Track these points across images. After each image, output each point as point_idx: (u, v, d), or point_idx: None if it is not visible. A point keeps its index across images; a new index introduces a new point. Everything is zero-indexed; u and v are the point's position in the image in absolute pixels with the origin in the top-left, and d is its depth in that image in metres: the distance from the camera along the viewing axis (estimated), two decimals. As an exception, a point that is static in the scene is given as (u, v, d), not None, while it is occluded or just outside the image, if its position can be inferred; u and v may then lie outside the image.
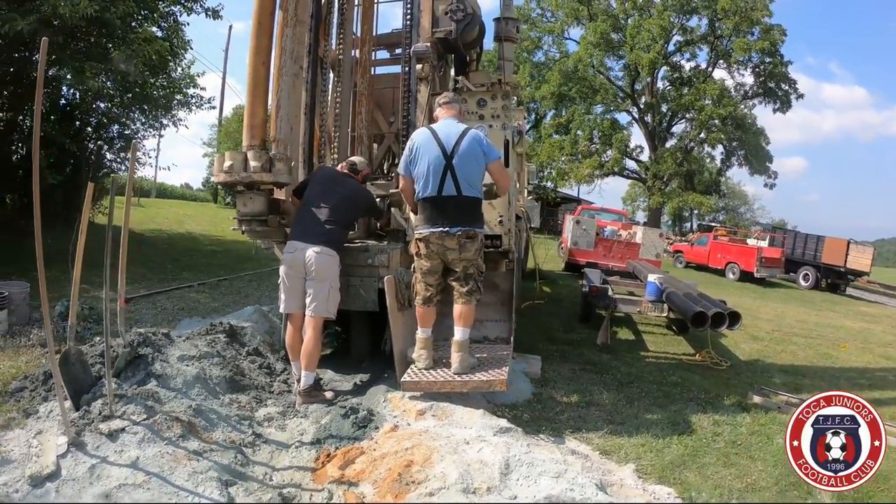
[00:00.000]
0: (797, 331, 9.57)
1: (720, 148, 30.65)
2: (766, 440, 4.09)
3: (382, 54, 5.96)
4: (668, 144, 31.91)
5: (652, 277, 6.85)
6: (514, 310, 4.45)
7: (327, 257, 3.84)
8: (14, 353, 4.23)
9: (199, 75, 11.99)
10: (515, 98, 5.75)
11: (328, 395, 3.90)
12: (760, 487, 3.35)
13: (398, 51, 5.48)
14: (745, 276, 18.65)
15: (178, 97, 10.33)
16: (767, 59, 27.96)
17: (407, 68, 4.48)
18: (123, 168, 11.04)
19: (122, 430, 2.90)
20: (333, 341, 5.50)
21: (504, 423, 3.30)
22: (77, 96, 9.24)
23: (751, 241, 20.94)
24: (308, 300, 3.85)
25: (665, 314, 6.68)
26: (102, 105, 10.01)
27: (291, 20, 4.10)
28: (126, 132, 10.59)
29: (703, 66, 30.57)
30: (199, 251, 10.92)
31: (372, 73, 5.70)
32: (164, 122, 10.60)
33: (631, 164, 33.60)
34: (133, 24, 8.52)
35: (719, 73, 30.55)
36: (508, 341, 4.42)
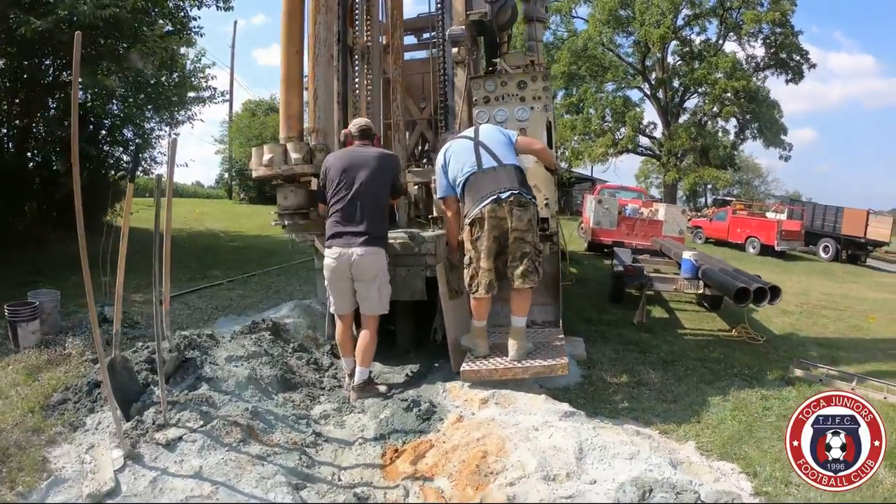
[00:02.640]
0: (824, 303, 9.48)
1: (733, 122, 30.20)
2: None
3: (408, 39, 5.86)
4: (681, 120, 31.44)
5: (687, 255, 6.78)
6: (560, 293, 4.40)
7: (371, 257, 3.66)
8: (51, 363, 4.02)
9: (209, 66, 11.83)
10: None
11: (381, 388, 3.82)
12: None
13: (425, 35, 5.39)
14: (766, 250, 18.47)
15: (191, 94, 10.21)
16: (778, 30, 27.34)
17: (440, 52, 4.40)
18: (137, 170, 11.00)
19: (180, 438, 2.77)
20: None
21: (567, 407, 3.27)
22: (89, 98, 9.17)
23: (770, 215, 20.67)
24: (360, 299, 3.76)
25: (701, 291, 6.61)
26: (115, 106, 9.96)
27: (322, 7, 4.03)
28: (142, 133, 10.55)
29: (714, 39, 30.00)
30: (221, 248, 10.92)
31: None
32: (180, 118, 10.49)
33: (644, 140, 33.21)
34: (146, 20, 8.43)
35: (730, 46, 29.99)
36: (557, 324, 4.40)
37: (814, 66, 28.96)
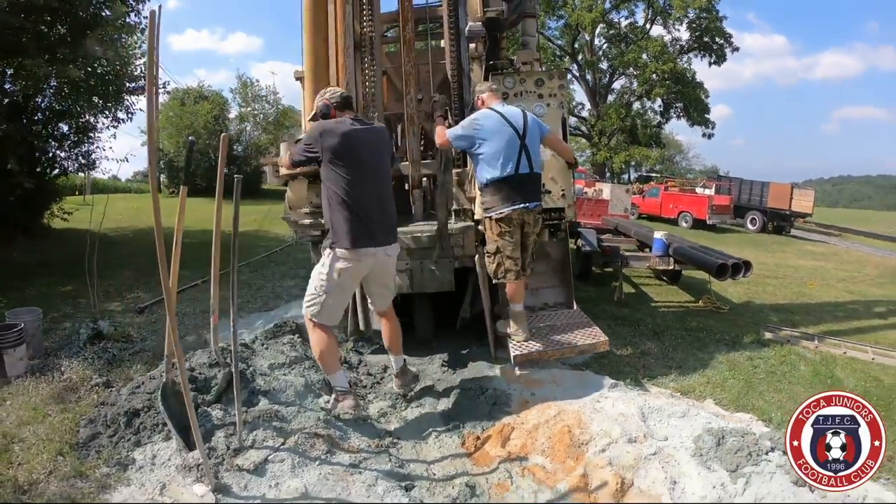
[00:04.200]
0: (766, 273, 10.42)
1: (658, 101, 31.79)
2: (792, 368, 4.75)
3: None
4: (608, 100, 32.76)
5: (658, 234, 7.28)
6: (572, 275, 4.69)
7: (396, 255, 3.43)
8: (55, 394, 3.52)
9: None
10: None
11: (413, 370, 3.81)
12: None
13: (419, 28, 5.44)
14: (698, 224, 19.82)
15: (130, 84, 9.53)
16: (703, 15, 28.91)
17: (453, 46, 4.49)
18: (73, 168, 10.19)
19: (266, 460, 2.61)
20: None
21: (608, 379, 3.59)
22: (31, 90, 8.39)
23: (699, 190, 22.12)
24: (379, 297, 3.47)
25: (671, 267, 7.13)
26: (49, 98, 9.14)
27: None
28: (80, 127, 9.77)
29: (641, 22, 31.35)
30: (172, 245, 10.38)
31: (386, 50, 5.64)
32: (118, 108, 9.74)
33: (572, 120, 34.35)
34: (105, 3, 7.81)
35: (656, 30, 31.48)
36: (570, 305, 4.68)
37: (736, 49, 30.71)
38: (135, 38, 9.24)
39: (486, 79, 4.39)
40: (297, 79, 5.41)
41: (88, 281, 4.72)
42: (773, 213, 21.00)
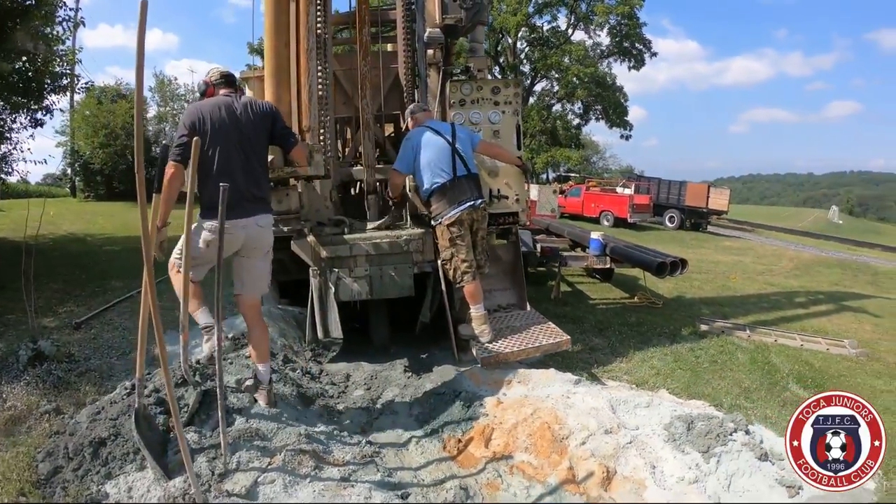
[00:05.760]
0: (690, 268, 11.17)
1: (578, 104, 33.13)
2: (731, 356, 5.16)
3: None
4: (530, 102, 33.80)
5: (595, 235, 7.62)
6: (525, 276, 4.84)
7: (271, 229, 3.28)
8: (1, 426, 3.22)
9: (78, 51, 10.17)
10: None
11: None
12: (754, 389, 4.35)
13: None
14: (619, 222, 20.88)
15: (48, 82, 8.75)
16: (624, 21, 30.32)
17: (407, 51, 4.51)
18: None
19: (256, 482, 2.51)
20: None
21: (571, 376, 3.75)
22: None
23: (619, 190, 23.31)
24: (247, 279, 3.20)
25: (608, 266, 7.49)
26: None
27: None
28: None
29: (563, 27, 32.50)
30: (99, 254, 9.65)
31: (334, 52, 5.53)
32: (38, 108, 8.93)
33: (495, 122, 35.04)
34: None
35: (578, 35, 32.69)
36: (523, 306, 4.84)
37: (655, 54, 32.41)
38: (57, 31, 8.49)
39: (443, 84, 4.46)
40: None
41: (25, 296, 4.31)
42: (691, 211, 22.50)
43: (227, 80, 3.26)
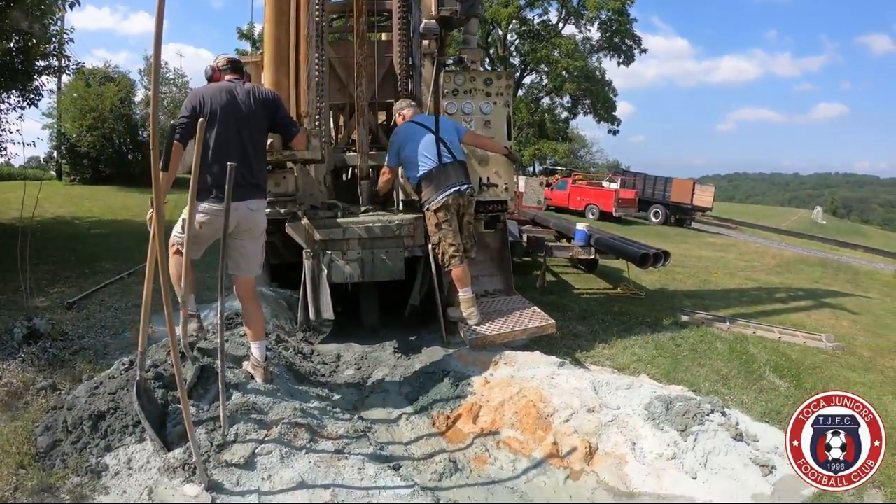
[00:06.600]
0: (673, 262, 11.39)
1: (567, 97, 33.30)
2: (711, 346, 5.32)
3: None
4: (518, 95, 33.87)
5: (580, 226, 7.77)
6: (511, 263, 4.97)
7: (264, 213, 3.37)
8: None
9: (69, 31, 10.01)
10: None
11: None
12: (732, 376, 4.51)
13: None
14: (604, 216, 21.13)
15: (40, 62, 8.63)
16: (614, 17, 30.46)
17: (402, 41, 4.59)
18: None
19: (253, 453, 2.59)
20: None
21: (555, 359, 3.89)
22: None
23: (605, 184, 23.56)
24: (241, 259, 3.29)
25: (593, 257, 7.65)
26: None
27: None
28: None
29: (554, 21, 32.56)
30: (87, 236, 9.62)
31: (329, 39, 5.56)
32: (28, 89, 8.81)
33: (483, 114, 35.09)
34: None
35: (568, 29, 32.79)
36: (510, 292, 4.97)
37: (644, 50, 32.69)
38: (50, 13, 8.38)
39: (436, 74, 4.55)
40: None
41: (21, 275, 4.36)
42: (676, 207, 22.87)
43: (234, 66, 3.35)
